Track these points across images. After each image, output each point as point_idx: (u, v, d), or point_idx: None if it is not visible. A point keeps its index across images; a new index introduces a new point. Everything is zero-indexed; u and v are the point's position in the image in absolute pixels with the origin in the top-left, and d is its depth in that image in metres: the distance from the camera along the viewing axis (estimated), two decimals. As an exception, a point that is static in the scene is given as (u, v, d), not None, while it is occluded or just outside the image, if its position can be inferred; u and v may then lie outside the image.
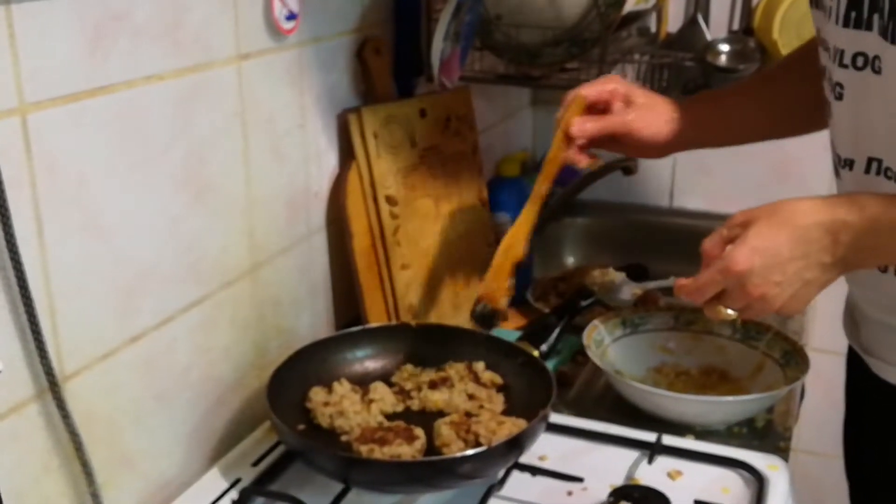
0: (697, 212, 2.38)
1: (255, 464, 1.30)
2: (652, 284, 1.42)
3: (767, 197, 2.22)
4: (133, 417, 1.19)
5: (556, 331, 1.55)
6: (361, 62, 1.59)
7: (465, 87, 1.77)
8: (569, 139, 1.32)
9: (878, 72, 1.10)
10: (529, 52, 1.78)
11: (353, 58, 1.58)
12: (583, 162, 1.35)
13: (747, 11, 2.22)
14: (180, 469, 1.29)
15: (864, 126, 1.16)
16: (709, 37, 2.22)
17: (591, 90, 1.34)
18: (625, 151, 1.41)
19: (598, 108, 1.35)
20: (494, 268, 1.39)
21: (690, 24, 2.24)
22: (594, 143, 1.35)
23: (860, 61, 1.12)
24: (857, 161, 1.18)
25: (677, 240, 2.17)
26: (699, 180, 2.40)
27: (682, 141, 1.38)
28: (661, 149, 1.37)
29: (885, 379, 1.28)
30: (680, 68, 2.22)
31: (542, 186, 1.38)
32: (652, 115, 1.35)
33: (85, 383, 1.10)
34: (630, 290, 1.47)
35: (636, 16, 2.05)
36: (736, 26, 2.25)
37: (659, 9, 2.24)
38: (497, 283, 1.38)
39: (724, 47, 2.21)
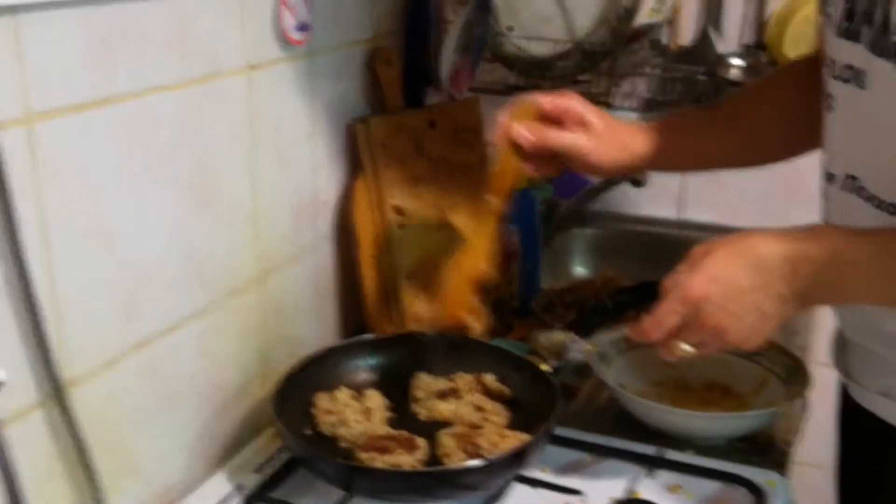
0: (706, 224, 2.38)
1: (258, 470, 1.31)
2: (605, 338, 1.36)
3: (777, 210, 2.25)
4: (137, 423, 1.20)
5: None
6: (371, 72, 1.60)
7: (475, 98, 1.77)
8: (516, 147, 1.25)
9: (862, 87, 1.09)
10: (540, 64, 1.80)
11: (364, 68, 1.59)
12: (550, 170, 1.29)
13: (759, 26, 2.23)
14: (184, 474, 1.30)
15: (847, 141, 1.15)
16: (721, 50, 2.23)
17: (547, 100, 1.26)
18: (568, 167, 1.32)
19: (548, 121, 1.27)
20: (447, 287, 1.32)
21: (703, 38, 2.25)
22: (537, 154, 1.27)
23: (847, 74, 1.11)
24: (836, 176, 1.17)
25: (686, 252, 2.16)
26: (709, 193, 2.40)
27: (635, 166, 1.34)
28: (608, 172, 1.32)
29: (863, 405, 1.27)
30: (691, 81, 2.22)
31: (493, 201, 1.29)
32: (605, 143, 1.28)
33: (90, 389, 1.11)
34: (580, 349, 1.38)
35: (648, 29, 2.06)
36: (748, 40, 2.26)
37: (671, 22, 2.25)
38: (457, 301, 1.32)
39: (736, 61, 2.22)
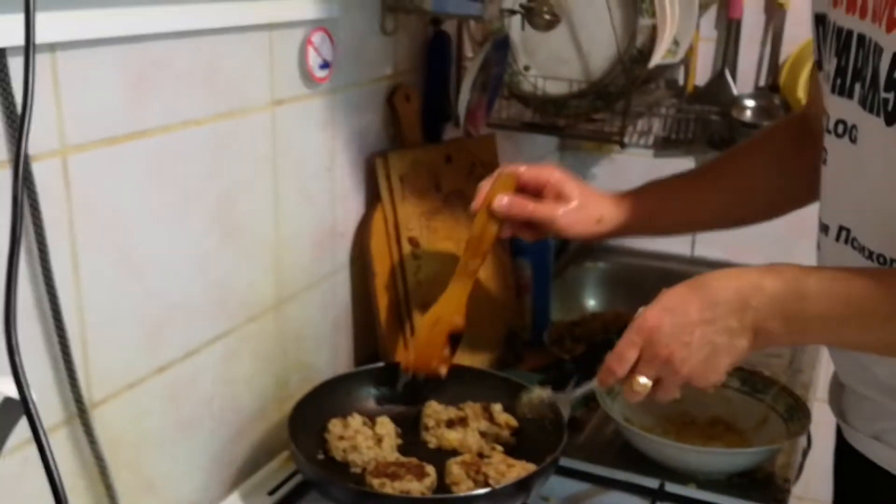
0: (718, 261, 2.40)
1: (272, 493, 1.35)
2: (579, 391, 1.34)
3: (787, 249, 2.27)
4: (157, 444, 1.24)
5: (573, 381, 1.56)
6: (391, 108, 1.64)
7: (491, 134, 1.82)
8: (494, 214, 1.33)
9: (854, 141, 1.11)
10: (555, 102, 1.84)
11: (384, 103, 1.63)
12: (526, 236, 1.38)
13: (774, 68, 2.27)
14: (200, 495, 1.33)
15: (839, 194, 1.18)
16: (735, 92, 2.27)
17: (528, 172, 1.33)
18: (546, 235, 1.41)
19: (527, 191, 1.34)
20: (423, 339, 1.41)
21: (718, 79, 2.29)
22: (513, 221, 1.35)
23: (840, 129, 1.13)
24: (830, 228, 1.19)
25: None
26: (721, 230, 2.43)
27: (612, 235, 1.40)
28: (581, 240, 1.38)
29: (856, 448, 1.29)
30: (705, 122, 2.27)
31: (471, 262, 1.37)
32: (581, 215, 1.34)
33: (112, 410, 1.15)
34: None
35: (664, 69, 2.10)
36: (763, 82, 2.30)
37: (687, 62, 2.29)
38: (430, 353, 1.40)
39: (750, 103, 2.26)
